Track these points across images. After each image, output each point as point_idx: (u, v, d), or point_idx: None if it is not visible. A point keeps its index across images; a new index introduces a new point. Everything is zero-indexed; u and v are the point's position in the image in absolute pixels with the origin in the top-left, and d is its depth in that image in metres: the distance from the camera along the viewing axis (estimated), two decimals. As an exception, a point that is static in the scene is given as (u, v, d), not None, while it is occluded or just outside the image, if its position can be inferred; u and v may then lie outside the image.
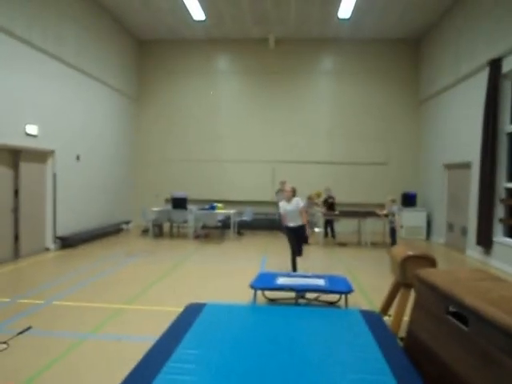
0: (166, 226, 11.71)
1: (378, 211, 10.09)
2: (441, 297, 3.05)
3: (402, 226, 11.34)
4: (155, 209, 11.30)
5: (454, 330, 2.83)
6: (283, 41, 12.88)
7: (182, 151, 13.29)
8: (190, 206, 11.21)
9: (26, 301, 5.31)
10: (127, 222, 12.29)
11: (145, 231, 11.50)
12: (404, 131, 12.88)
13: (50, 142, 8.71)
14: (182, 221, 11.12)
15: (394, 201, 9.70)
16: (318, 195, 11.12)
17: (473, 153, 9.00)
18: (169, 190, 12.34)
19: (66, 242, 9.10)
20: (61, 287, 6.01)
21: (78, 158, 9.85)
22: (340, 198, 12.38)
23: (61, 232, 9.11)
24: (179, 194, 11.35)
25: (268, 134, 13.09)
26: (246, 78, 13.22)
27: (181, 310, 4.14)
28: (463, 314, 2.73)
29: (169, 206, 11.37)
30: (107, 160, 11.52)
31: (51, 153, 8.87)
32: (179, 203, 11.07)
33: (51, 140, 8.76)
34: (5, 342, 3.94)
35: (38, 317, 4.73)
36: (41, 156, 8.67)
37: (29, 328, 4.33)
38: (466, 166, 9.49)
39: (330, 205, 11.15)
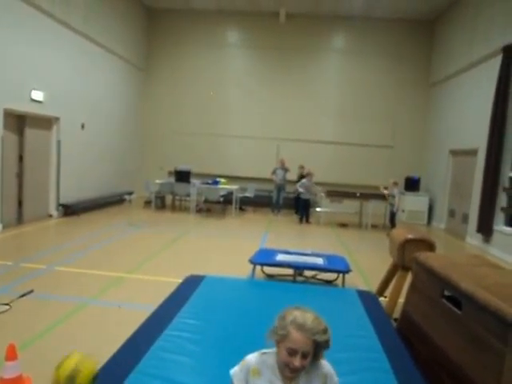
0: (169, 199, 11.76)
1: (383, 188, 10.03)
2: (437, 280, 3.09)
3: (403, 210, 11.35)
4: (158, 181, 11.32)
5: (447, 313, 2.88)
6: (294, 16, 12.62)
7: (187, 124, 13.23)
8: (194, 180, 11.23)
9: (28, 265, 5.40)
10: (130, 193, 12.35)
11: (147, 203, 11.57)
12: (412, 114, 12.75)
13: (55, 109, 8.68)
14: (184, 194, 11.18)
15: (396, 183, 9.69)
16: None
17: (480, 140, 8.92)
18: (173, 162, 12.34)
19: (69, 210, 9.17)
20: (63, 253, 6.10)
21: (82, 126, 9.82)
22: (343, 178, 12.48)
23: (64, 199, 9.17)
24: (183, 167, 11.35)
25: (274, 111, 13.00)
26: (254, 53, 13.04)
27: (180, 281, 4.21)
28: (457, 298, 2.77)
29: (172, 179, 11.40)
30: (112, 130, 11.49)
31: (56, 120, 8.85)
32: (183, 176, 11.09)
33: (56, 107, 8.72)
34: (7, 304, 4.03)
35: (40, 281, 4.82)
36: (46, 122, 8.66)
37: (31, 291, 4.41)
38: (472, 152, 9.43)
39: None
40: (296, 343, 1.62)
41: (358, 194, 10.67)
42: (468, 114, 9.90)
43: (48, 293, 4.46)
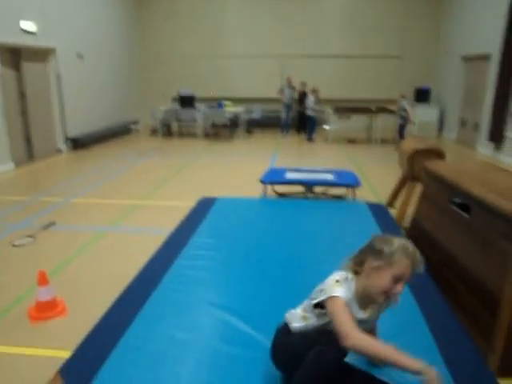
0: (175, 126, 11.67)
1: (389, 107, 9.90)
2: (446, 187, 3.12)
3: (414, 123, 11.13)
4: (163, 108, 11.16)
5: (456, 218, 2.95)
6: None
7: (187, 47, 12.69)
8: (198, 105, 11.04)
9: (45, 199, 5.55)
10: (135, 122, 12.24)
11: (154, 131, 11.51)
12: (422, 20, 12.00)
13: (49, 40, 8.34)
14: (190, 120, 11.06)
15: (403, 96, 9.46)
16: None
17: (494, 44, 8.49)
18: (175, 88, 12.05)
19: (78, 143, 9.19)
20: (78, 186, 6.23)
21: (80, 56, 9.51)
22: (349, 93, 12.16)
23: (71, 133, 9.16)
24: (186, 91, 11.12)
25: (277, 27, 12.34)
26: (252, -38, 12.12)
27: (194, 204, 4.32)
28: (466, 204, 2.82)
29: (177, 105, 11.22)
30: (111, 58, 11.12)
31: (52, 51, 8.55)
32: (187, 101, 10.90)
33: (50, 37, 8.37)
34: (31, 236, 4.21)
35: (59, 213, 4.98)
36: (42, 55, 8.38)
37: (52, 223, 4.57)
38: (485, 57, 9.02)
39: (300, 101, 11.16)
40: (406, 270, 1.59)
41: (373, 109, 10.40)
42: (481, 16, 9.31)
43: (68, 224, 4.63)
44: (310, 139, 10.43)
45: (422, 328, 2.22)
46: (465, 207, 2.85)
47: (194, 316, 2.29)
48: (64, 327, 2.69)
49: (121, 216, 4.88)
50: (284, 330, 1.79)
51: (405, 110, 9.22)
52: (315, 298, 1.67)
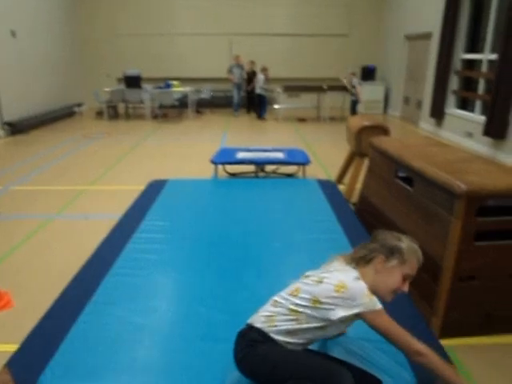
0: (122, 107, 11.27)
1: (343, 78, 10.11)
2: (391, 162, 3.24)
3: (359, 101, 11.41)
4: (108, 89, 10.72)
5: (400, 191, 3.08)
6: None
7: (131, 25, 12.17)
8: (145, 85, 10.71)
9: (-17, 187, 5.23)
10: (79, 105, 11.70)
11: (99, 113, 11.06)
12: (367, -1, 12.22)
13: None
14: (137, 101, 10.71)
15: (354, 74, 9.69)
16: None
17: (434, 22, 8.79)
18: (119, 68, 11.59)
19: (17, 128, 8.64)
20: (18, 173, 5.90)
21: (13, 33, 8.88)
22: (298, 72, 12.23)
23: (8, 117, 8.61)
24: (132, 72, 10.73)
25: (224, 4, 12.10)
26: None
27: (144, 187, 4.22)
28: (409, 178, 2.94)
29: (122, 86, 10.81)
30: (49, 36, 10.46)
31: (-19, 28, 7.95)
32: (133, 82, 10.53)
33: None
34: (-31, 226, 3.97)
35: (0, 202, 4.71)
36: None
37: (-9, 212, 4.33)
38: (427, 36, 9.33)
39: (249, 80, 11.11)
40: (415, 269, 1.61)
41: (324, 87, 10.49)
42: (423, -5, 9.61)
43: (10, 213, 4.39)
44: (260, 118, 10.44)
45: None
46: (408, 181, 2.98)
47: (147, 299, 2.27)
48: (10, 320, 2.57)
49: (67, 202, 4.69)
50: (256, 336, 1.54)
51: (354, 87, 9.45)
52: (337, 305, 1.47)
